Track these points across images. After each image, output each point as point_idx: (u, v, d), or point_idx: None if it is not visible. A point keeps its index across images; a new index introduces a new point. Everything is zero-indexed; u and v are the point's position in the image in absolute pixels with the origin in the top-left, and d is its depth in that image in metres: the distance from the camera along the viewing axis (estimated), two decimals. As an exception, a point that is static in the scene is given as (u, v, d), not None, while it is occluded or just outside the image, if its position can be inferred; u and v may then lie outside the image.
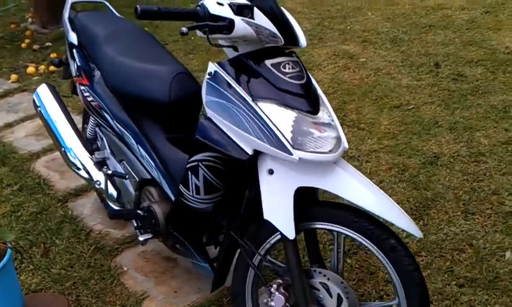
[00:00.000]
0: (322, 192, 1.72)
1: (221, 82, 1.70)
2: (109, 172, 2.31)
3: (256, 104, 1.63)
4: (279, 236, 1.77)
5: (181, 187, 1.87)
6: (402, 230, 1.67)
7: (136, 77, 2.18)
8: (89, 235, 2.67)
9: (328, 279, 1.72)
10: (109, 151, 2.42)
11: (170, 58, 2.26)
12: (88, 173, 2.47)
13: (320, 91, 1.75)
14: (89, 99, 2.34)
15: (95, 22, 2.46)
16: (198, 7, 1.61)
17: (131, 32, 2.44)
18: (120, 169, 2.37)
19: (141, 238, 2.13)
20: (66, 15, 2.56)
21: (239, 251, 1.89)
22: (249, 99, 1.64)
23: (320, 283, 1.72)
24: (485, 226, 2.48)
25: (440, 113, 3.51)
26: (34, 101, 2.66)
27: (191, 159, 1.78)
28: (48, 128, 2.61)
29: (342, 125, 3.26)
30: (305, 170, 1.64)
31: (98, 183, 2.44)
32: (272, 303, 1.73)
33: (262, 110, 1.62)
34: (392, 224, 1.60)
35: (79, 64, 2.40)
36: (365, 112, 3.58)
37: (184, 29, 1.52)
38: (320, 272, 1.73)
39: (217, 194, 1.80)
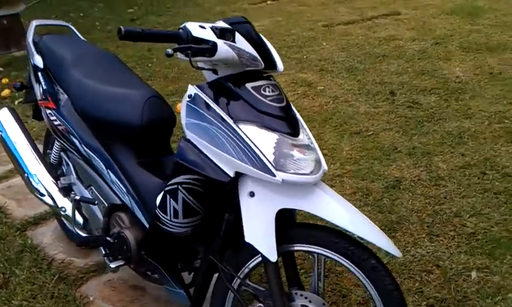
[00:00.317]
0: (299, 213, 1.73)
1: (201, 104, 1.70)
2: (77, 197, 2.25)
3: (237, 126, 1.63)
4: (259, 260, 1.76)
5: (158, 211, 1.83)
6: (381, 250, 1.68)
7: (106, 101, 2.14)
8: (51, 265, 2.58)
9: (310, 302, 1.72)
10: (75, 176, 2.36)
11: (139, 82, 2.25)
12: (52, 199, 2.39)
13: (298, 115, 1.77)
14: (55, 123, 2.28)
15: (61, 45, 2.42)
16: (181, 30, 1.61)
17: (98, 55, 2.41)
18: (87, 194, 2.31)
19: (112, 266, 2.07)
20: (30, 38, 2.50)
21: (216, 275, 1.86)
22: (230, 121, 1.64)
23: (302, 305, 1.72)
24: (450, 247, 2.54)
25: (399, 139, 3.60)
26: (-5, 125, 2.57)
27: (170, 182, 1.75)
28: (10, 153, 2.51)
29: None
30: (286, 192, 1.64)
31: (63, 209, 2.37)
32: (257, 326, 1.70)
33: (243, 132, 1.62)
34: (372, 244, 1.62)
35: (44, 87, 2.35)
36: (326, 138, 3.64)
37: (170, 51, 1.52)
38: (301, 295, 1.73)
39: (196, 217, 1.78)
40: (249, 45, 1.64)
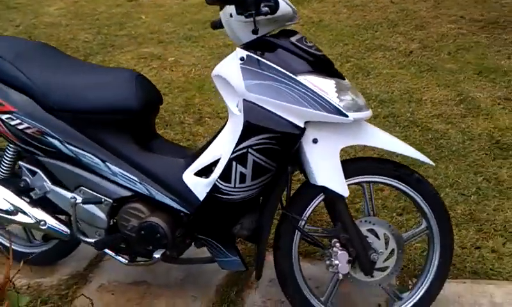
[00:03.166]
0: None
1: (256, 64, 1.73)
2: (79, 200, 2.00)
3: (299, 78, 1.71)
4: (318, 201, 1.89)
5: (218, 182, 1.80)
6: (421, 162, 1.94)
7: (89, 90, 1.97)
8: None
9: (374, 224, 1.91)
10: (49, 183, 2.08)
11: (102, 66, 2.11)
12: (27, 215, 2.08)
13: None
14: (20, 127, 1.98)
15: None
16: None
17: (36, 47, 2.16)
18: (66, 200, 2.06)
19: (156, 255, 1.94)
20: None
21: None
22: (291, 74, 1.71)
23: (368, 229, 1.90)
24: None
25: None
26: None
27: (236, 148, 1.74)
28: None
29: (201, 119, 3.42)
30: (344, 132, 1.79)
31: (42, 223, 2.09)
32: (337, 261, 1.83)
33: (307, 82, 1.71)
34: (415, 159, 1.88)
35: (-12, 92, 2.00)
36: (215, 103, 3.72)
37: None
38: (365, 221, 1.91)
39: (265, 176, 1.79)
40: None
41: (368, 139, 1.83)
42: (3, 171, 2.16)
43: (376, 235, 1.90)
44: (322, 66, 1.78)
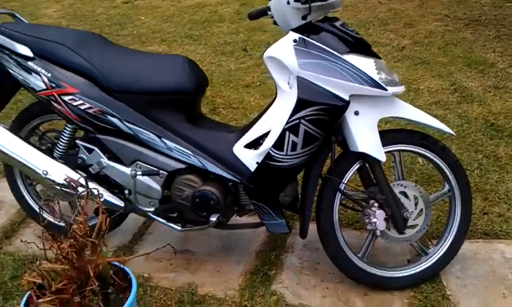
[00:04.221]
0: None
1: (307, 45, 1.97)
2: (139, 172, 2.20)
3: (345, 57, 1.96)
4: (357, 166, 2.13)
5: (271, 150, 2.02)
6: (443, 132, 2.19)
7: (148, 73, 2.18)
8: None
9: (405, 187, 2.15)
10: (106, 159, 2.27)
11: (155, 53, 2.32)
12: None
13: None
14: (83, 107, 2.17)
15: (35, 32, 2.27)
16: None
17: (89, 36, 2.35)
18: (121, 174, 2.26)
19: (213, 219, 2.15)
20: None
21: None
22: (338, 54, 1.96)
23: (400, 192, 2.15)
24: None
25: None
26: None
27: (290, 119, 1.97)
28: (18, 163, 2.28)
29: (215, 109, 3.64)
30: (381, 105, 2.04)
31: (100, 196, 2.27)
32: (375, 219, 2.07)
33: (351, 60, 1.96)
34: (439, 130, 2.14)
35: (51, 75, 2.19)
36: (226, 95, 3.94)
37: None
38: (397, 184, 2.15)
39: (315, 144, 2.02)
40: None
41: (400, 111, 2.08)
42: (60, 149, 2.34)
43: (407, 196, 2.15)
44: (362, 47, 2.03)
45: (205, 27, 5.33)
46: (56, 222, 2.50)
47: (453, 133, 2.19)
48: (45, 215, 2.54)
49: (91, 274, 1.55)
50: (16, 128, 2.39)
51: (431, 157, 2.17)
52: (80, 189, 2.21)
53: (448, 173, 2.19)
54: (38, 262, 1.70)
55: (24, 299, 1.65)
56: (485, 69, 4.19)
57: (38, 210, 2.56)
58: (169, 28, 5.37)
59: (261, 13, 2.17)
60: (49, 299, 1.51)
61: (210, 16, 5.65)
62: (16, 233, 2.65)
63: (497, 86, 3.91)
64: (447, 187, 2.22)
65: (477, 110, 3.57)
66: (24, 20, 2.49)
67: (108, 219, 1.73)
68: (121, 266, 1.73)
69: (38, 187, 2.62)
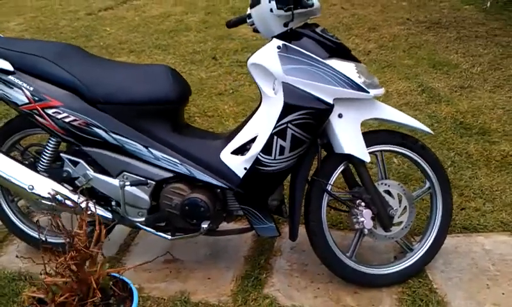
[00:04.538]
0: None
1: (292, 52, 2.02)
2: (127, 183, 2.20)
3: (327, 62, 2.02)
4: (343, 167, 2.19)
5: (260, 155, 2.06)
6: (422, 131, 2.27)
7: (132, 83, 2.19)
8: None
9: (389, 186, 2.22)
10: (92, 171, 2.26)
11: (137, 64, 2.33)
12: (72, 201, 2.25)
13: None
14: (67, 119, 2.16)
15: (12, 46, 2.26)
16: None
17: (68, 48, 2.34)
18: (107, 186, 2.25)
19: (204, 226, 2.16)
20: None
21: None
22: (320, 59, 2.01)
23: (384, 191, 2.21)
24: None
25: (254, 90, 4.15)
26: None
27: (277, 124, 2.01)
28: (3, 179, 2.25)
29: (190, 118, 3.65)
30: (363, 107, 2.11)
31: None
32: (362, 218, 2.13)
33: (333, 65, 2.02)
34: (418, 129, 2.22)
35: (33, 88, 2.17)
36: (200, 103, 3.95)
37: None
38: (381, 183, 2.22)
39: (301, 148, 2.06)
40: None
41: (381, 113, 2.15)
42: (45, 163, 2.32)
43: (391, 195, 2.21)
44: (342, 52, 2.09)
45: (172, 37, 5.34)
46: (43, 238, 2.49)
47: (431, 132, 2.27)
48: (31, 232, 2.52)
49: (94, 286, 1.54)
50: (-6, 144, 2.34)
51: (412, 155, 2.25)
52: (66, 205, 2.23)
53: (428, 171, 2.27)
54: (29, 278, 1.69)
55: (24, 315, 1.63)
56: (449, 70, 4.33)
57: (21, 227, 2.52)
58: (136, 38, 5.35)
59: (240, 21, 2.21)
60: (53, 312, 1.50)
61: (176, 26, 5.65)
62: (0, 251, 2.60)
63: (462, 85, 4.06)
64: (427, 184, 2.30)
65: (445, 110, 3.70)
66: (0, 35, 2.46)
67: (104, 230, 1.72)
68: (120, 277, 1.73)
69: (20, 203, 2.57)
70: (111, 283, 1.70)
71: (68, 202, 2.25)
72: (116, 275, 1.74)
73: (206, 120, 3.73)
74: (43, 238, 1.76)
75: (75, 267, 1.56)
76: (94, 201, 2.22)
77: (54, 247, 1.75)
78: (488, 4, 5.69)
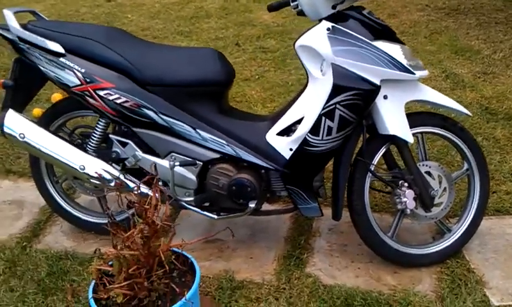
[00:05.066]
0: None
1: (340, 33, 2.07)
2: (177, 163, 2.25)
3: (375, 43, 2.07)
4: (385, 149, 2.24)
5: (307, 136, 2.11)
6: (461, 113, 2.32)
7: (182, 65, 2.24)
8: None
9: (430, 167, 2.28)
10: (141, 152, 2.32)
11: (185, 47, 2.38)
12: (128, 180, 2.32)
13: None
14: (119, 101, 2.22)
15: (62, 28, 2.31)
16: None
17: (116, 31, 2.40)
18: (161, 164, 2.31)
19: (251, 205, 2.23)
20: (17, 26, 2.28)
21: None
22: (369, 40, 2.06)
23: (425, 172, 2.27)
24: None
25: (280, 76, 4.21)
26: (7, 133, 2.28)
27: (326, 105, 2.06)
28: (50, 158, 2.31)
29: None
30: (407, 89, 2.16)
31: (135, 189, 2.32)
32: (405, 198, 2.19)
33: (381, 47, 2.07)
34: (458, 111, 2.27)
35: (83, 70, 2.23)
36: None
37: None
38: (422, 164, 2.28)
39: (349, 128, 2.12)
40: None
41: (424, 94, 2.20)
42: (94, 144, 2.38)
43: (431, 176, 2.27)
44: (388, 34, 2.14)
45: (193, 23, 5.37)
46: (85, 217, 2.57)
47: (470, 114, 2.33)
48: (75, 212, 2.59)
49: (163, 258, 1.61)
50: (43, 126, 2.40)
51: (451, 137, 2.30)
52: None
53: (467, 152, 2.32)
54: (99, 252, 1.75)
55: (91, 287, 1.70)
56: (472, 56, 4.37)
57: (65, 207, 2.59)
58: (158, 25, 5.39)
59: (282, 4, 2.26)
60: (122, 284, 1.56)
61: (196, 12, 5.69)
62: (44, 231, 2.67)
63: (485, 71, 4.10)
64: (465, 165, 2.35)
65: (470, 96, 3.74)
66: (46, 18, 2.51)
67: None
68: (181, 251, 1.80)
69: (64, 185, 2.64)
70: (173, 257, 1.76)
71: (117, 182, 2.31)
72: (177, 250, 1.80)
73: (235, 105, 3.73)
74: (110, 214, 1.81)
75: (142, 240, 1.62)
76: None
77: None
78: (506, -10, 5.73)
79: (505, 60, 4.29)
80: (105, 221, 2.48)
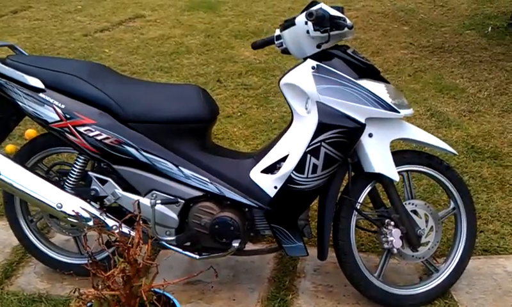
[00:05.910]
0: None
1: (325, 72, 2.05)
2: (158, 201, 2.18)
3: (360, 82, 2.05)
4: (370, 188, 2.20)
5: (292, 174, 2.06)
6: (447, 152, 2.29)
7: (164, 102, 2.20)
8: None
9: (416, 206, 2.23)
10: (120, 190, 2.25)
11: (168, 83, 2.35)
12: (103, 220, 2.23)
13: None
14: (100, 137, 2.15)
15: (43, 64, 2.26)
16: (319, 10, 1.93)
17: (97, 67, 2.35)
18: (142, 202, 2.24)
19: (235, 244, 2.15)
20: None
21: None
22: (353, 79, 2.04)
23: (412, 210, 2.23)
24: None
25: (262, 113, 4.17)
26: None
27: (311, 142, 2.02)
28: (24, 195, 2.23)
29: None
30: (392, 127, 2.13)
31: (115, 228, 2.24)
32: (392, 237, 2.14)
33: (366, 85, 2.05)
34: (444, 150, 2.25)
35: (63, 106, 2.17)
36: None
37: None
38: (408, 203, 2.23)
39: (333, 166, 2.08)
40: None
41: (409, 133, 2.18)
42: (72, 181, 2.30)
43: (418, 215, 2.23)
44: (373, 73, 2.12)
45: (173, 59, 5.33)
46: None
47: (456, 152, 2.30)
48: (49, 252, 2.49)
49: (145, 299, 1.54)
50: (19, 162, 2.32)
51: (437, 176, 2.27)
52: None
53: (453, 191, 2.29)
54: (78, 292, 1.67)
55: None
56: (456, 94, 4.39)
57: (40, 247, 2.49)
58: (137, 60, 5.33)
59: (266, 42, 2.24)
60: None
61: (177, 48, 5.66)
62: (17, 272, 2.55)
63: (471, 110, 4.11)
64: (452, 204, 2.31)
65: (456, 134, 3.74)
66: (25, 52, 2.47)
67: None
68: (163, 292, 1.73)
69: (39, 224, 2.55)
70: (154, 297, 1.68)
71: (96, 221, 2.23)
72: (159, 290, 1.72)
73: (216, 142, 3.71)
74: (90, 253, 1.73)
75: (123, 279, 1.55)
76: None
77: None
78: (489, 29, 5.80)
79: (490, 98, 4.31)
80: (80, 262, 2.45)
